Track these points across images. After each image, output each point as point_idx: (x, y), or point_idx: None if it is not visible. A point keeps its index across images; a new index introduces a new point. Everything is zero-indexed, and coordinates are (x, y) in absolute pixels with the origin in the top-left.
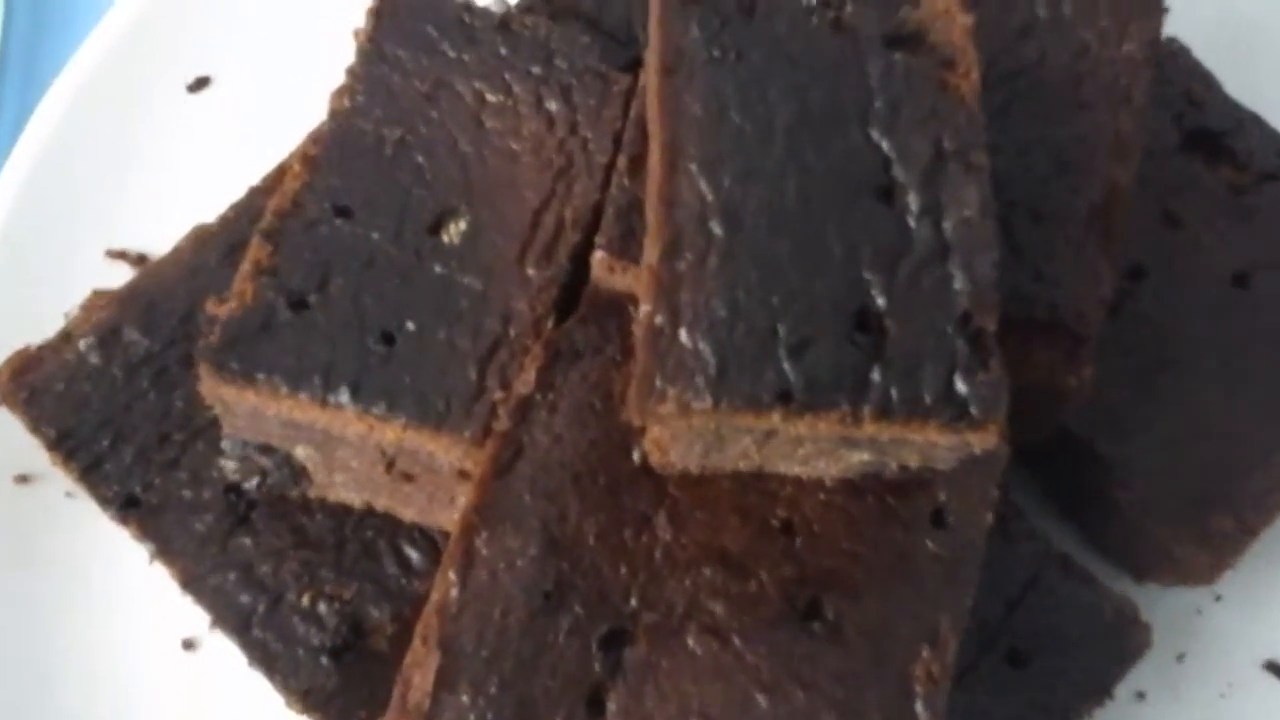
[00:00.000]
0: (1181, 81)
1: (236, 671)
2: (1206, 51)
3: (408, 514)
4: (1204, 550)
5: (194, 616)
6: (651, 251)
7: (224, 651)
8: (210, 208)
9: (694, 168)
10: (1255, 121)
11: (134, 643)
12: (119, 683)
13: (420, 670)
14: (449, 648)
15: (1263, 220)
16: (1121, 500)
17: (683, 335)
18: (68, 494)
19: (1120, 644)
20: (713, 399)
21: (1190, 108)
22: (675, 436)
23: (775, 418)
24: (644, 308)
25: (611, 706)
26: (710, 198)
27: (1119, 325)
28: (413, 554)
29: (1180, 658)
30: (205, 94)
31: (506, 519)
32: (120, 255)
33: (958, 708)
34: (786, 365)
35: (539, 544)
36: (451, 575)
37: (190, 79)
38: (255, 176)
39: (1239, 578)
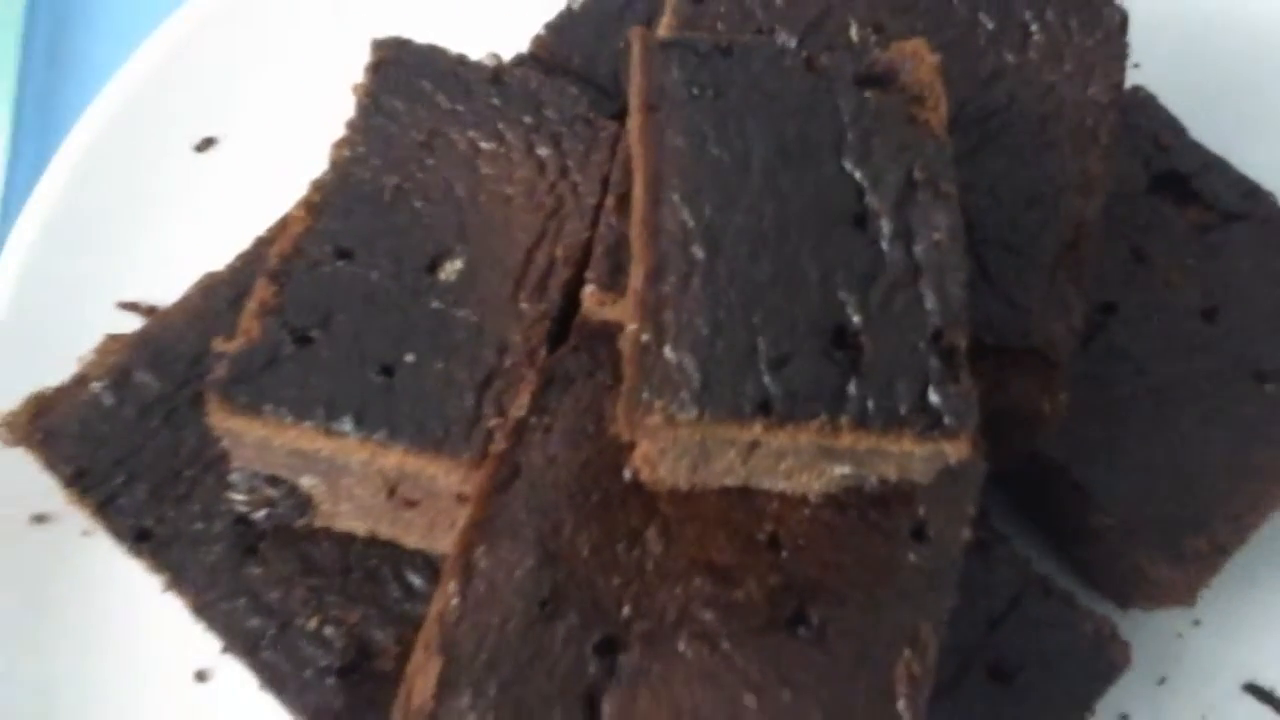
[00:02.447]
0: (1150, 128)
1: (246, 702)
2: (1174, 98)
3: (409, 540)
4: (1180, 571)
5: (205, 649)
6: (637, 275)
7: (234, 683)
8: (217, 260)
9: (676, 197)
10: (1220, 165)
11: (148, 674)
12: (133, 714)
13: (423, 675)
14: (450, 653)
15: (1228, 258)
16: (1099, 525)
17: (668, 351)
18: (84, 533)
19: (1101, 662)
20: (697, 410)
21: (1159, 152)
22: (663, 451)
23: (757, 428)
24: (630, 327)
25: (606, 708)
26: (692, 225)
27: (1093, 358)
28: (415, 579)
29: (1162, 681)
30: (211, 153)
31: (504, 533)
32: (131, 307)
33: None
34: (767, 379)
35: (535, 556)
36: (452, 586)
37: (197, 139)
38: (260, 229)
39: (1217, 602)
